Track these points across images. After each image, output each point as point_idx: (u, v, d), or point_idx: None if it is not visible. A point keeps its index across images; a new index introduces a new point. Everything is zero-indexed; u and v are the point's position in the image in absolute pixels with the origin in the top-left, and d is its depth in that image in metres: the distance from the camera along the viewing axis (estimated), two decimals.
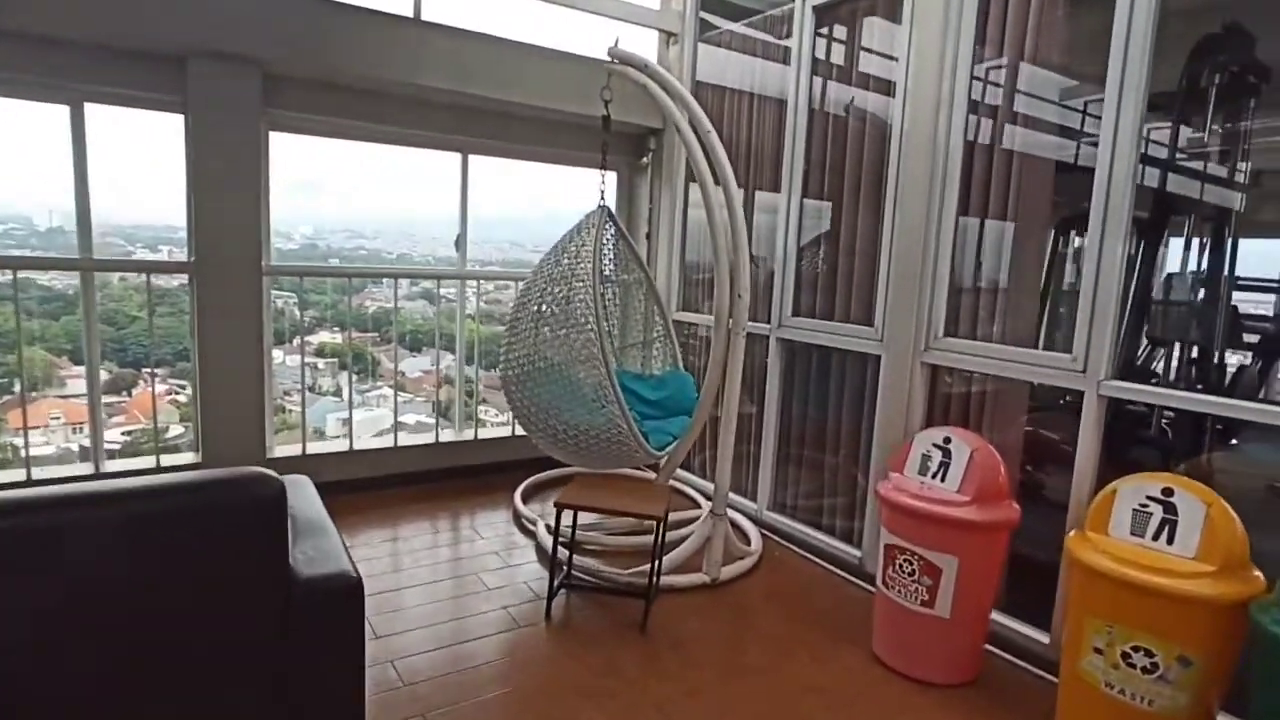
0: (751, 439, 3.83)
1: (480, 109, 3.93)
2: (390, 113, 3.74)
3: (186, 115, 3.19)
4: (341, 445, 3.80)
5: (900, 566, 2.46)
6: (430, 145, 4.02)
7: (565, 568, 2.92)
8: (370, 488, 3.82)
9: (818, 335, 3.41)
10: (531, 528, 3.48)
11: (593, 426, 3.02)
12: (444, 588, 2.87)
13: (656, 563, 2.72)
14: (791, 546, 3.49)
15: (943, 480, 2.43)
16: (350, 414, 3.89)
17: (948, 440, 2.46)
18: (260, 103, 3.29)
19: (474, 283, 4.26)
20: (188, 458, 3.42)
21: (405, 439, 4.00)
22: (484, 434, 4.24)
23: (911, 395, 2.95)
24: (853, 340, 3.24)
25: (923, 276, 2.88)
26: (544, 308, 3.16)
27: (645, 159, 4.38)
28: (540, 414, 3.10)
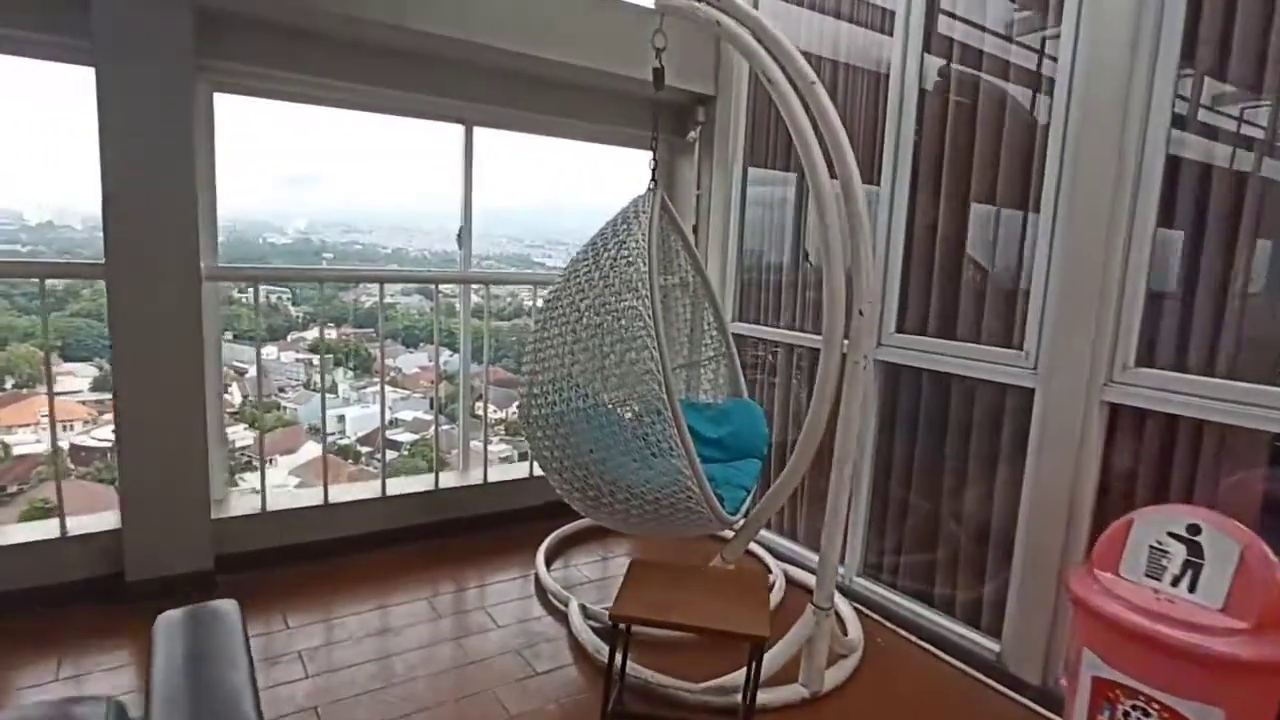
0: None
1: (487, 66, 3.11)
2: (372, 69, 2.91)
3: (96, 67, 2.36)
4: (314, 497, 2.98)
5: (1125, 717, 1.68)
6: (425, 114, 3.20)
7: (618, 682, 2.13)
8: (353, 550, 3.01)
9: (933, 358, 2.62)
10: (561, 607, 2.69)
11: (649, 487, 2.22)
12: (448, 717, 2.08)
13: (751, 689, 1.93)
14: (897, 629, 2.71)
15: (1192, 590, 1.64)
16: (327, 415, 3.11)
17: (1195, 530, 1.67)
18: (194, 51, 2.46)
19: (479, 287, 3.45)
20: (108, 520, 2.60)
21: (396, 486, 3.18)
22: (496, 474, 3.43)
23: (1084, 444, 2.16)
24: (986, 366, 2.44)
25: (1104, 289, 2.09)
26: (581, 323, 2.36)
27: (692, 134, 3.56)
28: (577, 469, 2.30)
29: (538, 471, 3.28)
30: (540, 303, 2.76)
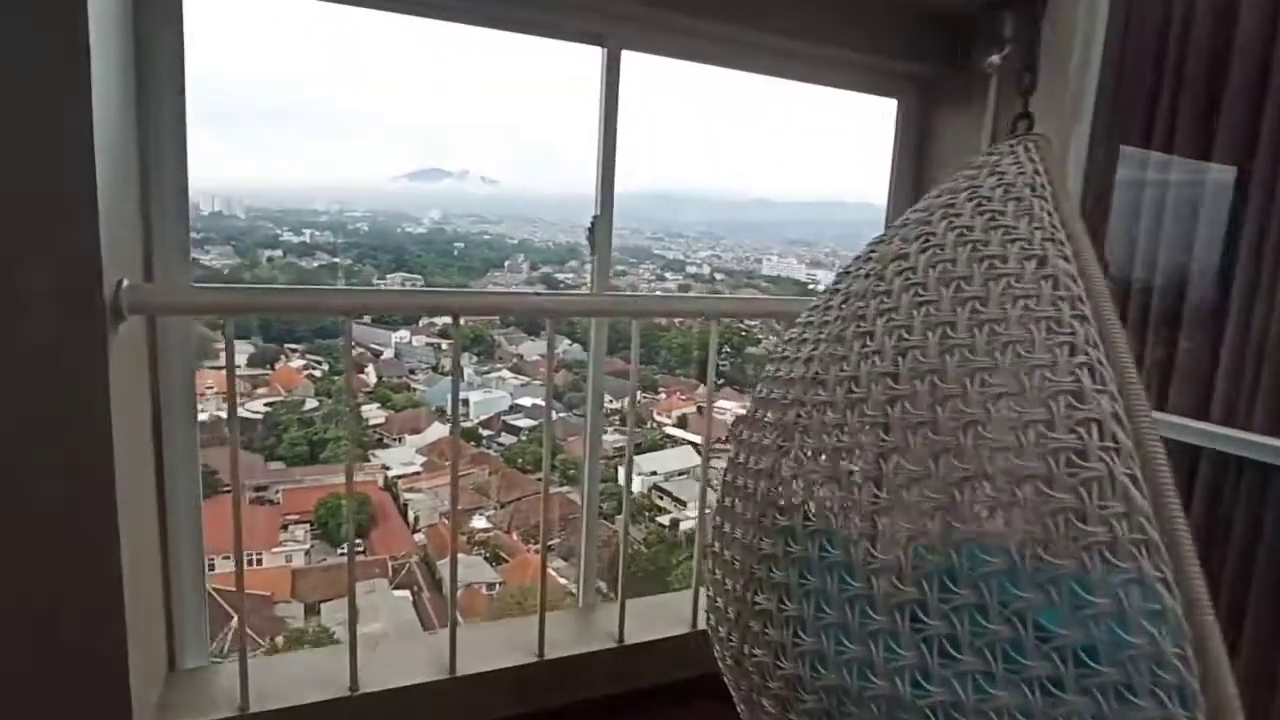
0: None
1: None
2: None
3: None
4: (338, 685, 1.73)
5: None
6: (543, 27, 1.91)
7: None
8: None
9: None
10: None
11: None
12: None
13: None
14: None
15: None
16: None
17: None
18: None
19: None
20: None
21: (472, 659, 1.88)
22: (637, 627, 2.09)
23: None
24: None
25: None
26: (883, 440, 0.94)
27: (993, 59, 2.04)
28: None
29: (702, 622, 1.93)
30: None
